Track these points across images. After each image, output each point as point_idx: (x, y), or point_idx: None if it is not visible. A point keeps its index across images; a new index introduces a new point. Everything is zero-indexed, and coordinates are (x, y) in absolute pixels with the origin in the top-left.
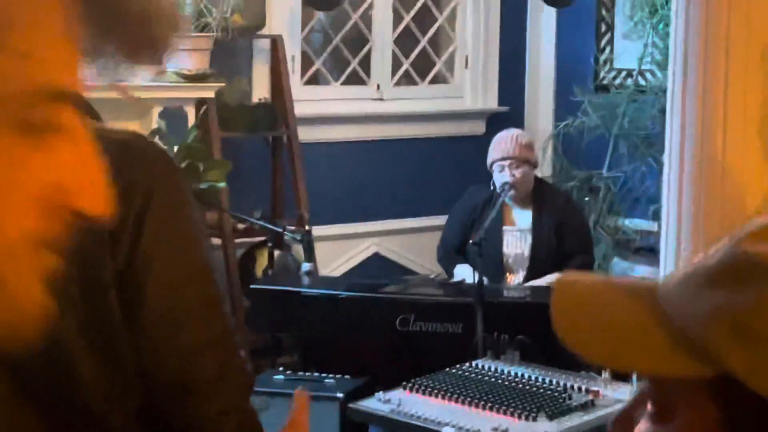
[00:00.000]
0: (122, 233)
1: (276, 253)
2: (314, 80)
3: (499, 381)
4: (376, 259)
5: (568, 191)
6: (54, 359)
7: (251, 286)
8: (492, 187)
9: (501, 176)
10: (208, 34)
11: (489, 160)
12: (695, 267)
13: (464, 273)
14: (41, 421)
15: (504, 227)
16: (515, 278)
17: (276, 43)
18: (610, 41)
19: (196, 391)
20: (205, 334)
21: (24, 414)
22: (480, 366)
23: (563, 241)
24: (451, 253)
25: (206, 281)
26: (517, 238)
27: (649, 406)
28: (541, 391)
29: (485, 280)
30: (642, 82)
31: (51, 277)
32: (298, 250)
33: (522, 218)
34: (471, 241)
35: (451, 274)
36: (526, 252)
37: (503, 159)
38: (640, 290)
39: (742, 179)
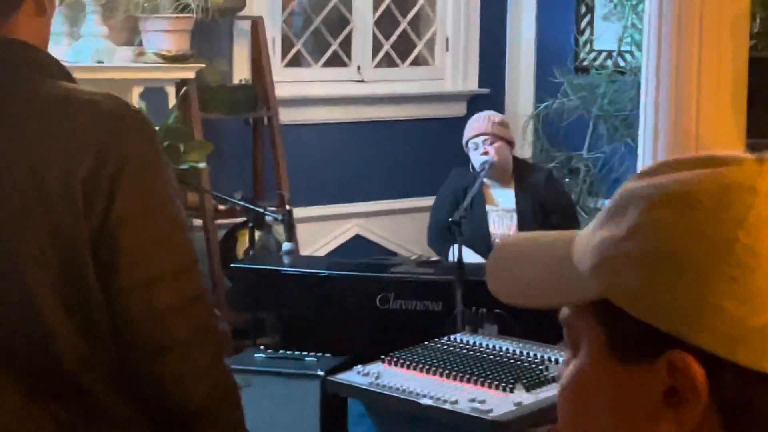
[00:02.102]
0: (96, 195)
1: (257, 233)
2: (295, 62)
3: (477, 354)
4: (358, 240)
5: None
6: (29, 323)
7: (232, 266)
8: (471, 169)
9: (476, 154)
10: (188, 15)
11: (464, 140)
12: (601, 210)
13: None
14: (18, 384)
15: (487, 207)
16: None
17: (256, 24)
18: (590, 23)
19: (171, 351)
20: (178, 296)
21: (1, 379)
22: (458, 340)
23: (548, 219)
24: (443, 234)
25: (177, 244)
26: (501, 217)
27: (566, 353)
28: (518, 363)
29: (476, 258)
30: (621, 63)
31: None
32: (279, 230)
33: (504, 198)
34: (450, 219)
35: (445, 255)
36: (513, 231)
37: (477, 136)
38: (560, 241)
39: (716, 151)
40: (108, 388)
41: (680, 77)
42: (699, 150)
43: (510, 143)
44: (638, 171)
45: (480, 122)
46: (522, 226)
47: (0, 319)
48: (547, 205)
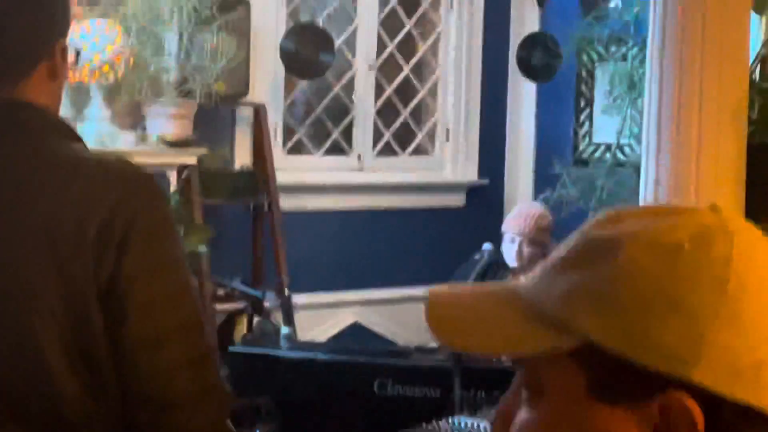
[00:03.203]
0: (106, 253)
1: (255, 319)
2: (296, 149)
3: None
4: (356, 328)
5: None
6: (38, 377)
7: (230, 350)
8: (495, 254)
9: (509, 247)
10: (191, 100)
11: (503, 227)
12: (551, 259)
13: None
14: None
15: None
16: None
17: (258, 111)
18: (589, 116)
19: (176, 407)
20: (184, 353)
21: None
22: (457, 422)
23: None
24: None
25: (186, 303)
26: None
27: (523, 393)
28: None
29: None
30: (621, 156)
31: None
32: (278, 316)
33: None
34: None
35: None
36: None
37: (516, 234)
38: (502, 289)
39: None
40: None
41: (679, 168)
42: None
43: (547, 247)
44: (593, 221)
45: (526, 220)
46: None
47: (10, 373)
48: None
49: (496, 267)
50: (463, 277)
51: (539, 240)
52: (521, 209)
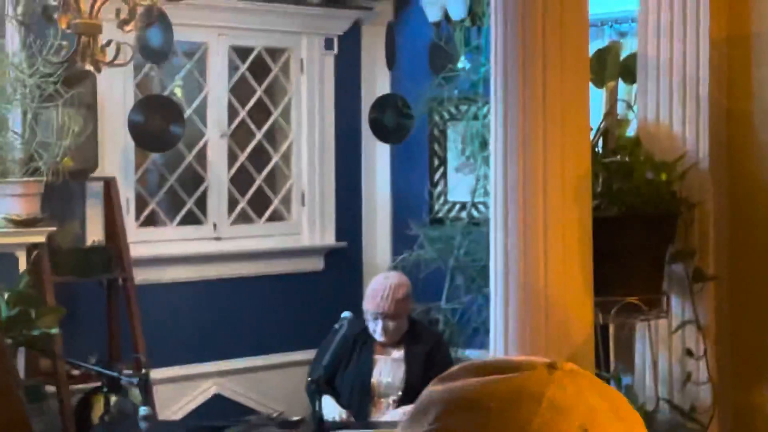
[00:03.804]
0: None
1: (112, 398)
2: (150, 221)
3: None
4: (217, 399)
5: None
6: None
7: None
8: (357, 322)
9: (373, 324)
10: (38, 179)
11: (363, 306)
12: (409, 411)
13: (327, 404)
14: None
15: (375, 356)
16: (386, 404)
17: (109, 185)
18: (444, 175)
19: None
20: None
21: None
22: None
23: (431, 369)
24: (319, 383)
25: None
26: (389, 366)
27: None
28: None
29: (341, 414)
30: (476, 214)
31: None
32: (136, 393)
33: (394, 349)
34: (309, 379)
35: (313, 405)
36: (398, 380)
37: (376, 313)
38: None
39: (565, 310)
40: None
41: (527, 239)
42: (549, 308)
43: (409, 313)
44: (438, 377)
45: (382, 299)
46: (410, 375)
47: None
48: (433, 358)
49: (362, 337)
50: (327, 350)
51: (400, 311)
52: (376, 287)
